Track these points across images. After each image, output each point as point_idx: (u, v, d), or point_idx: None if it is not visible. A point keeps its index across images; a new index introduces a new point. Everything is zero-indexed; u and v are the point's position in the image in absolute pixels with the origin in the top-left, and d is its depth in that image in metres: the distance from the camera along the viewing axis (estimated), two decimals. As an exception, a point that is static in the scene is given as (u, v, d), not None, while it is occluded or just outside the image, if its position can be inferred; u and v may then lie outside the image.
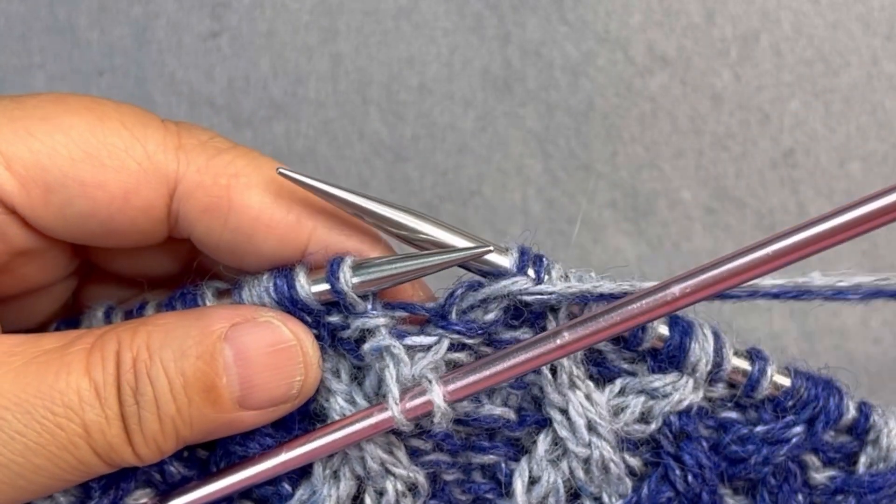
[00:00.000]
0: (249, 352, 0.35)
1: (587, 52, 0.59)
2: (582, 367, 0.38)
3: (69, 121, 0.34)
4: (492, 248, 0.36)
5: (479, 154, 0.59)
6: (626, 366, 0.39)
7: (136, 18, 0.61)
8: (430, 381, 0.36)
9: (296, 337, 0.36)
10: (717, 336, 0.39)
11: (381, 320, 0.37)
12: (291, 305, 0.37)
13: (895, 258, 0.57)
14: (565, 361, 0.37)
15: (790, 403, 0.39)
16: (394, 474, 0.38)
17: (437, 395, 0.36)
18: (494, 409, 0.38)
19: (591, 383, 0.38)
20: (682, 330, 0.38)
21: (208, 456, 0.39)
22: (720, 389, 0.39)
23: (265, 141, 0.61)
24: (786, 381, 0.39)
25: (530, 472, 0.38)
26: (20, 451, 0.33)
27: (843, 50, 0.58)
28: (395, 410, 0.36)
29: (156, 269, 0.41)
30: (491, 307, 0.37)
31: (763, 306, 0.57)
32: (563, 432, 0.38)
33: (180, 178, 0.35)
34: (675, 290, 0.34)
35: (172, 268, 0.42)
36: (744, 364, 0.39)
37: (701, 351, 0.38)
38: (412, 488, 0.38)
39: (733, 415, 0.39)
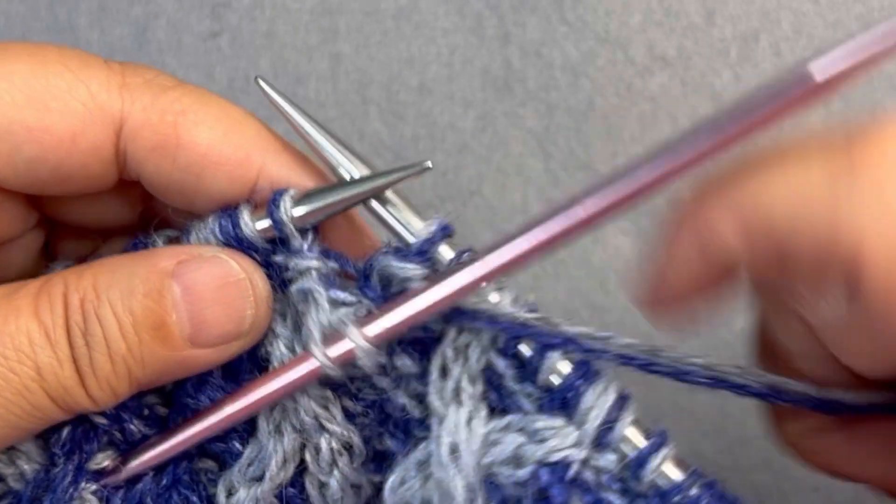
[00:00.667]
0: (198, 287, 0.35)
1: (587, 52, 0.59)
2: (476, 385, 0.35)
3: (10, 67, 0.34)
4: (429, 164, 0.36)
5: (479, 154, 0.59)
6: (525, 403, 0.35)
7: (136, 18, 0.61)
8: (345, 325, 0.35)
9: (244, 270, 0.36)
10: (622, 397, 0.34)
11: (314, 263, 0.36)
12: (238, 244, 0.36)
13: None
14: (455, 369, 0.35)
15: (676, 500, 0.32)
16: (328, 430, 0.37)
17: (356, 335, 0.34)
18: (399, 397, 0.37)
19: (482, 407, 0.35)
20: (584, 374, 0.34)
21: (168, 413, 0.39)
22: (609, 461, 0.33)
23: (265, 141, 0.61)
24: (677, 475, 0.33)
25: (403, 475, 0.36)
26: None
27: (842, 50, 0.58)
28: (318, 355, 0.35)
29: (112, 217, 0.41)
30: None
31: (763, 306, 0.57)
32: (433, 446, 0.34)
33: (126, 116, 0.35)
34: (580, 209, 0.32)
35: (128, 214, 0.41)
36: (638, 436, 0.33)
37: (596, 400, 0.33)
38: (348, 448, 0.37)
39: (615, 499, 0.33)
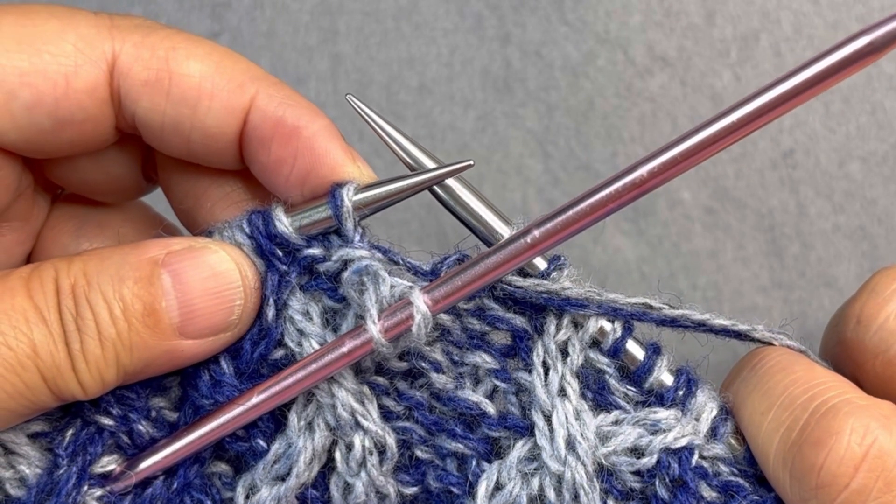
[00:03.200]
0: (187, 276, 0.35)
1: (587, 52, 0.59)
2: (577, 381, 0.37)
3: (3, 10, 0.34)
4: (472, 162, 0.37)
5: (479, 154, 0.59)
6: (626, 404, 0.37)
7: (137, 18, 0.61)
8: (410, 288, 0.35)
9: (234, 260, 0.36)
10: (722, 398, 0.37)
11: (366, 252, 0.36)
12: (266, 240, 0.37)
13: (895, 259, 0.57)
14: (559, 365, 0.36)
15: None
16: (363, 428, 0.37)
17: (418, 298, 0.35)
18: (470, 396, 0.37)
19: (584, 403, 0.37)
20: (689, 379, 0.37)
21: (177, 418, 0.38)
22: (723, 449, 0.36)
23: (265, 141, 0.61)
24: None
25: (498, 477, 0.36)
26: None
27: (842, 50, 0.58)
28: (373, 329, 0.35)
29: (113, 177, 0.41)
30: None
31: (763, 306, 0.57)
32: (542, 441, 0.36)
33: (117, 54, 0.35)
34: (643, 171, 0.33)
35: (129, 176, 0.41)
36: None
37: (707, 398, 0.37)
38: (381, 449, 0.37)
39: (741, 480, 0.36)
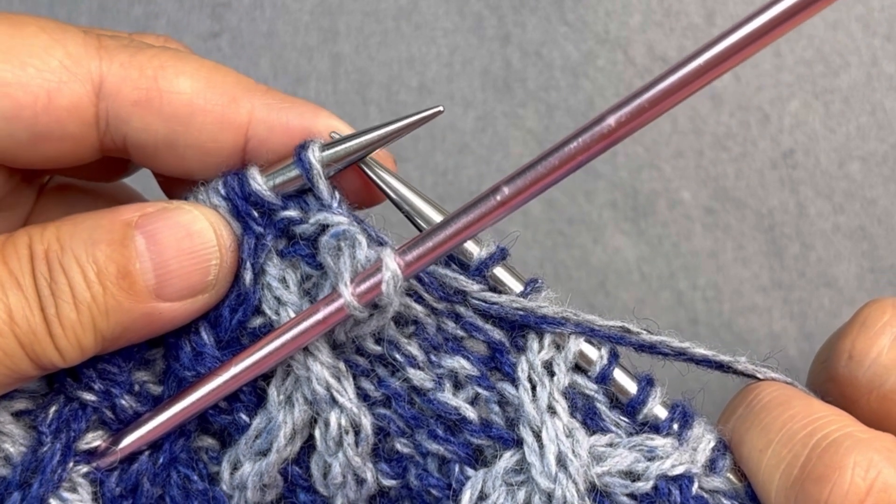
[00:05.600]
0: (161, 237, 0.34)
1: (587, 52, 0.59)
2: (566, 402, 0.36)
3: None
4: (441, 108, 0.37)
5: (479, 154, 0.59)
6: (617, 430, 0.36)
7: (137, 18, 0.61)
8: (382, 247, 0.35)
9: (208, 220, 0.35)
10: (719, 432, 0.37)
11: (344, 219, 0.36)
12: (242, 201, 0.36)
13: (895, 259, 0.57)
14: (546, 382, 0.36)
15: None
16: (339, 404, 0.36)
17: (389, 256, 0.34)
18: (450, 400, 0.36)
19: (576, 421, 0.36)
20: (684, 413, 0.36)
21: (161, 391, 0.38)
22: (722, 483, 0.36)
23: (265, 141, 0.61)
24: None
25: (482, 486, 0.35)
26: None
27: (842, 50, 0.58)
28: (345, 293, 0.34)
29: (97, 163, 0.40)
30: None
31: (762, 306, 0.57)
32: (532, 457, 0.35)
33: (105, 74, 0.35)
34: (611, 120, 0.31)
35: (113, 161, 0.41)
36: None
37: (704, 430, 0.36)
38: (356, 429, 0.36)
39: None
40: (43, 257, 0.33)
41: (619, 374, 0.37)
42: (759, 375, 0.37)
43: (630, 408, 0.36)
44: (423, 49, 0.60)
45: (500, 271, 0.37)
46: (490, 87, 0.60)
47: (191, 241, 0.35)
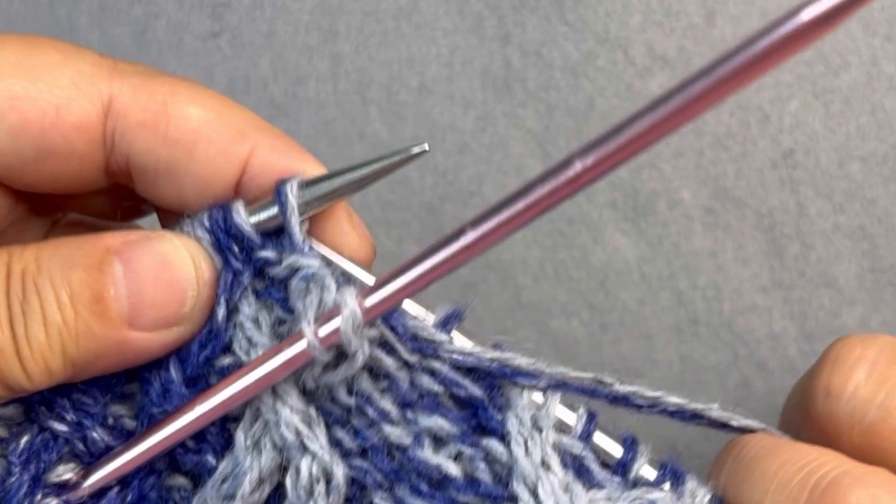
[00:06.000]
0: (139, 264, 0.34)
1: (587, 52, 0.59)
2: (557, 457, 0.34)
3: (1, 42, 0.34)
4: (426, 146, 0.35)
5: (479, 154, 0.59)
6: (613, 485, 0.35)
7: (137, 18, 0.61)
8: (345, 290, 0.33)
9: (188, 250, 0.35)
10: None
11: (315, 262, 0.35)
12: (224, 235, 0.35)
13: (895, 259, 0.57)
14: (537, 437, 0.34)
15: None
16: (310, 451, 0.34)
17: (350, 295, 0.32)
18: (430, 458, 0.35)
19: (571, 476, 0.34)
20: (675, 470, 0.35)
21: (135, 426, 0.37)
22: None
23: (265, 141, 0.61)
24: None
25: None
26: None
27: (843, 50, 0.58)
28: (308, 333, 0.33)
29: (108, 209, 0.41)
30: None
31: (762, 306, 0.57)
32: None
33: (115, 94, 0.35)
34: (577, 165, 0.30)
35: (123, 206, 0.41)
36: None
37: (697, 485, 0.35)
38: (328, 479, 0.35)
39: None
40: (19, 276, 0.33)
41: (599, 436, 0.36)
42: (732, 423, 0.36)
43: (618, 470, 0.35)
44: (423, 49, 0.60)
45: (456, 334, 0.36)
46: (490, 87, 0.60)
47: (169, 271, 0.34)
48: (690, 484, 0.35)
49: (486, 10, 0.60)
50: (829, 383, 0.35)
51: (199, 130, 0.35)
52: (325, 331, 0.33)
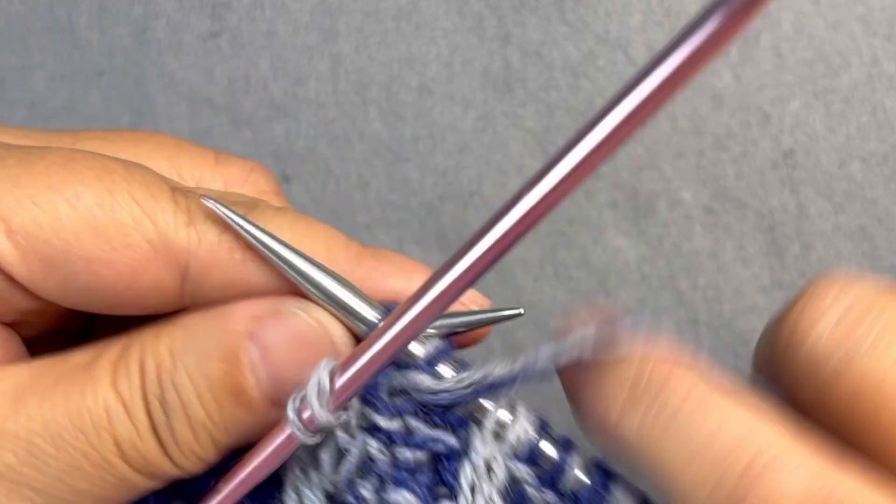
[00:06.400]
0: (275, 347, 0.33)
1: (587, 52, 0.59)
2: (501, 500, 0.34)
3: (76, 191, 0.32)
4: (521, 311, 0.35)
5: (479, 154, 0.59)
6: None
7: (136, 18, 0.61)
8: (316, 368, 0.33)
9: (319, 324, 0.34)
10: (644, 499, 0.34)
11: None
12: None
13: (895, 259, 0.57)
14: (485, 485, 0.34)
15: None
16: None
17: (322, 370, 0.32)
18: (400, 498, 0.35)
19: None
20: (604, 474, 0.34)
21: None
22: None
23: (265, 141, 0.61)
24: None
25: None
26: (56, 475, 0.32)
27: (843, 50, 0.58)
28: (290, 411, 0.32)
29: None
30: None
31: (763, 306, 0.57)
32: None
33: (192, 255, 0.34)
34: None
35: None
36: None
37: (623, 498, 0.34)
38: None
39: None
40: (155, 375, 0.32)
41: (545, 445, 0.35)
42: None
43: (552, 478, 0.34)
44: (423, 49, 0.60)
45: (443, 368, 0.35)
46: (490, 87, 0.60)
47: (304, 350, 0.34)
48: (617, 494, 0.34)
49: (487, 10, 0.60)
50: (793, 327, 0.31)
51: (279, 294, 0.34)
52: (305, 413, 0.33)
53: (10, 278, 0.33)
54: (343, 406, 0.33)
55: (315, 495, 0.35)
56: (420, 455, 0.35)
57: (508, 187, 0.59)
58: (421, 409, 0.35)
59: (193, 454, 0.33)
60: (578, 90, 0.59)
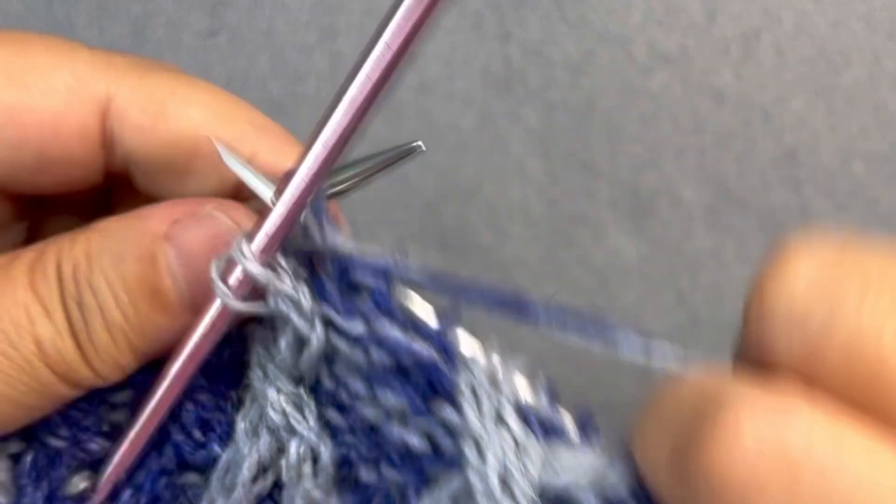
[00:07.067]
0: (193, 248, 0.32)
1: (588, 51, 0.59)
2: (516, 415, 0.32)
3: None
4: (420, 143, 0.34)
5: (479, 153, 0.59)
6: (573, 440, 0.33)
7: (135, 16, 0.61)
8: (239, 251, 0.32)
9: (239, 226, 0.33)
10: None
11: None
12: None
13: None
14: (493, 393, 0.32)
15: None
16: (297, 433, 0.34)
17: (241, 247, 0.31)
18: (394, 431, 0.33)
19: (532, 435, 0.31)
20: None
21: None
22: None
23: (264, 140, 0.61)
24: None
25: None
26: None
27: (844, 49, 0.58)
28: (216, 282, 0.31)
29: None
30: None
31: (764, 306, 0.57)
32: (474, 478, 0.31)
33: (112, 96, 0.34)
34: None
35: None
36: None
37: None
38: (314, 459, 0.34)
39: None
40: (72, 277, 0.32)
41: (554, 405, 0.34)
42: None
43: (580, 433, 0.33)
44: (423, 47, 0.60)
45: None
46: (490, 85, 0.59)
47: (223, 249, 0.33)
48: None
49: (487, 9, 0.60)
50: (762, 294, 0.27)
51: (199, 133, 0.34)
52: (233, 279, 0.32)
53: None
54: (269, 263, 0.32)
55: (280, 374, 0.35)
56: (391, 359, 0.34)
57: (508, 187, 0.59)
58: (397, 314, 0.33)
59: (111, 358, 0.32)
60: (579, 89, 0.59)
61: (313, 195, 0.33)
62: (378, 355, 0.34)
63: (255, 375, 0.35)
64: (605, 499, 0.30)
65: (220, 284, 0.32)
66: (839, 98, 0.58)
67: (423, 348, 0.33)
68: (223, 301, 0.32)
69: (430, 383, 0.34)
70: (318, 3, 0.60)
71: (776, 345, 0.28)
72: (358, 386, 0.34)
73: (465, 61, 0.60)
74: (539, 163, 0.59)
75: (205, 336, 0.33)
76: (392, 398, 0.34)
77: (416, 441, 0.34)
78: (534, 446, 0.32)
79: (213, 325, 0.33)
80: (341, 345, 0.34)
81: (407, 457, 0.34)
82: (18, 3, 0.62)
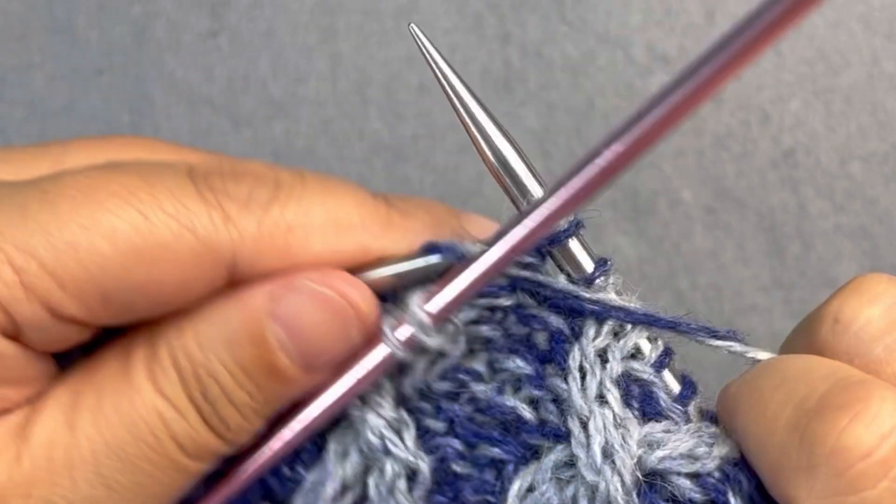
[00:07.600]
0: (297, 319, 0.34)
1: (587, 51, 0.59)
2: (617, 389, 0.35)
3: (110, 224, 0.32)
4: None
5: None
6: (675, 416, 0.35)
7: (136, 17, 0.61)
8: (410, 300, 0.34)
9: (338, 293, 0.34)
10: None
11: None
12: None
13: (895, 258, 0.57)
14: (597, 370, 0.35)
15: None
16: (393, 455, 0.35)
17: (416, 306, 0.33)
18: (507, 401, 0.36)
19: (629, 411, 0.34)
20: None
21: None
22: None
23: (265, 140, 0.60)
24: None
25: (532, 479, 0.35)
26: (127, 486, 0.33)
27: (843, 49, 0.58)
28: (389, 335, 0.34)
29: None
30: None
31: (763, 306, 0.57)
32: (578, 449, 0.34)
33: (236, 252, 0.34)
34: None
35: None
36: None
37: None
38: (411, 476, 0.36)
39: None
40: (190, 371, 0.33)
41: (666, 374, 0.36)
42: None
43: (680, 400, 0.36)
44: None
45: (574, 245, 0.37)
46: (490, 86, 0.60)
47: (325, 319, 0.34)
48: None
49: (486, 10, 0.60)
50: (840, 310, 0.33)
51: (326, 262, 0.35)
52: (402, 334, 0.34)
53: (69, 319, 0.33)
54: (444, 323, 0.34)
55: (385, 400, 0.36)
56: (526, 329, 0.36)
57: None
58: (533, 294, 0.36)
59: (243, 431, 0.34)
60: (579, 89, 0.59)
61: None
62: (514, 326, 0.36)
63: (355, 406, 0.36)
64: (696, 473, 0.33)
65: (392, 338, 0.34)
66: (838, 99, 0.58)
67: (552, 317, 0.36)
68: (393, 352, 0.34)
69: (551, 352, 0.36)
70: (319, 3, 0.61)
71: (840, 352, 0.33)
72: (480, 366, 0.37)
73: (465, 62, 0.60)
74: (539, 163, 0.59)
75: (365, 378, 0.35)
76: (520, 364, 0.36)
77: (527, 412, 0.36)
78: (632, 421, 0.34)
79: (376, 369, 0.35)
80: (483, 330, 0.36)
81: (512, 430, 0.36)
82: (19, 3, 0.62)
